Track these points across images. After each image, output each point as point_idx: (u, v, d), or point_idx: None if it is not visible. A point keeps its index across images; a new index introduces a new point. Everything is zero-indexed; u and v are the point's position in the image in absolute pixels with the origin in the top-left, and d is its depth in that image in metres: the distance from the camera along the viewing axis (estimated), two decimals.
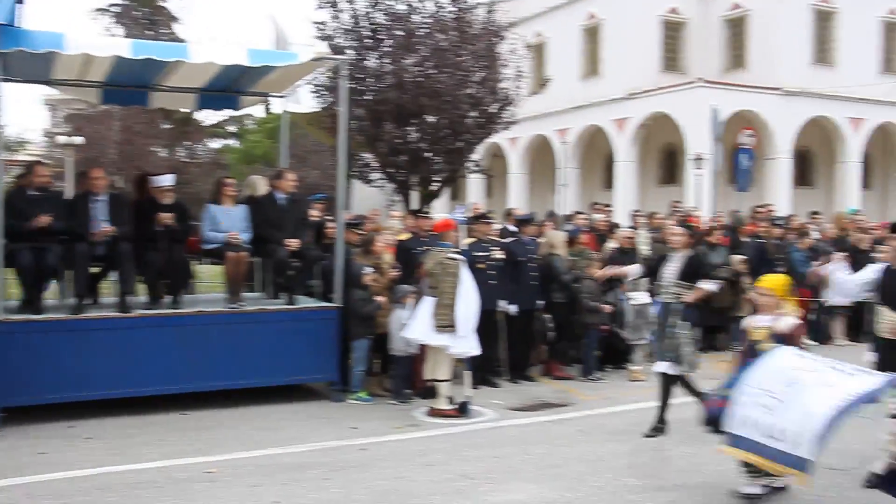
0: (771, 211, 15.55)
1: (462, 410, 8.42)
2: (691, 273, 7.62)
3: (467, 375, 8.68)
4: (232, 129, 48.10)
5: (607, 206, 15.60)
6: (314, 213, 10.90)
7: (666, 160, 36.55)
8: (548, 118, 36.66)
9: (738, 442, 5.50)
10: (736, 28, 35.05)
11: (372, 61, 17.03)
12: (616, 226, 12.92)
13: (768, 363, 5.52)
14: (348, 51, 16.87)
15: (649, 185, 36.39)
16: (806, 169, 36.16)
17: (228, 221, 9.20)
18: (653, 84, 33.95)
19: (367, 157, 17.72)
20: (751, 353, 5.93)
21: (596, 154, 38.36)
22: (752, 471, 5.83)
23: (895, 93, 31.37)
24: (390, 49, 16.67)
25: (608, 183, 36.63)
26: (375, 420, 8.27)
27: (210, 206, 9.33)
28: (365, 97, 16.48)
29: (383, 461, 6.88)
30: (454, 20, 17.11)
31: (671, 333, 7.54)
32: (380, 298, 9.11)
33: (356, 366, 9.10)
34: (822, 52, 33.91)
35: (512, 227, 11.49)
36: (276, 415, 8.43)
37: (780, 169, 32.69)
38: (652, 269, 8.23)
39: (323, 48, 16.42)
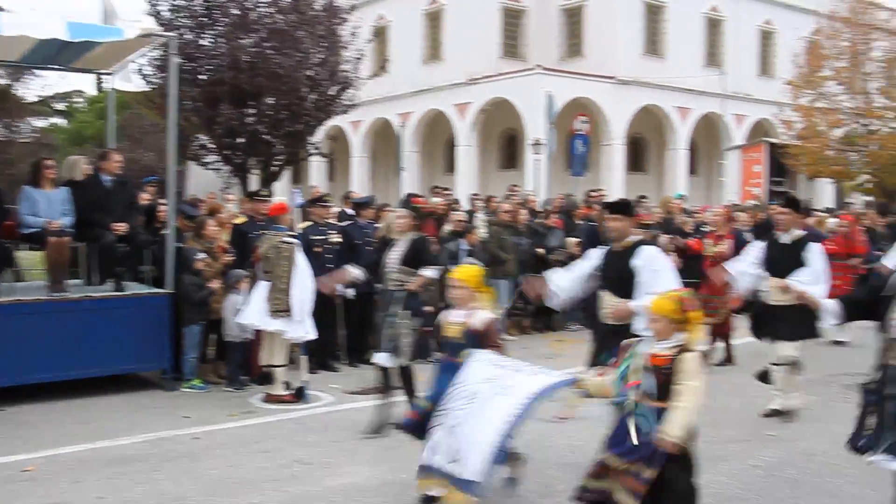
0: (603, 195, 16.12)
1: (299, 396, 8.33)
2: (414, 259, 7.09)
3: (304, 360, 8.59)
4: (60, 107, 45.56)
5: (447, 189, 15.77)
6: (145, 196, 10.50)
7: (506, 145, 37.31)
8: (390, 102, 36.67)
9: (428, 471, 5.07)
10: (573, 17, 36.11)
11: (207, 41, 16.51)
12: (454, 207, 13.06)
13: (464, 375, 5.04)
14: (182, 28, 16.30)
15: (490, 169, 37.05)
16: (638, 155, 37.80)
17: (47, 205, 8.70)
18: (493, 70, 34.53)
19: (203, 138, 17.19)
20: (447, 351, 5.52)
21: (438, 138, 38.72)
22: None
23: (718, 85, 33.10)
24: (226, 28, 16.20)
25: (450, 167, 37.05)
26: (209, 408, 8.07)
27: (27, 188, 8.80)
28: (200, 77, 15.97)
29: (217, 450, 6.72)
30: (293, 1, 16.79)
31: (391, 323, 6.98)
32: (213, 284, 8.87)
33: (188, 353, 8.85)
34: (653, 43, 35.45)
35: (350, 211, 11.43)
36: (102, 407, 8.07)
37: (615, 154, 33.98)
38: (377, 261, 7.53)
39: (153, 24, 15.81)
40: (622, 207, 6.25)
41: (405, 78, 35.67)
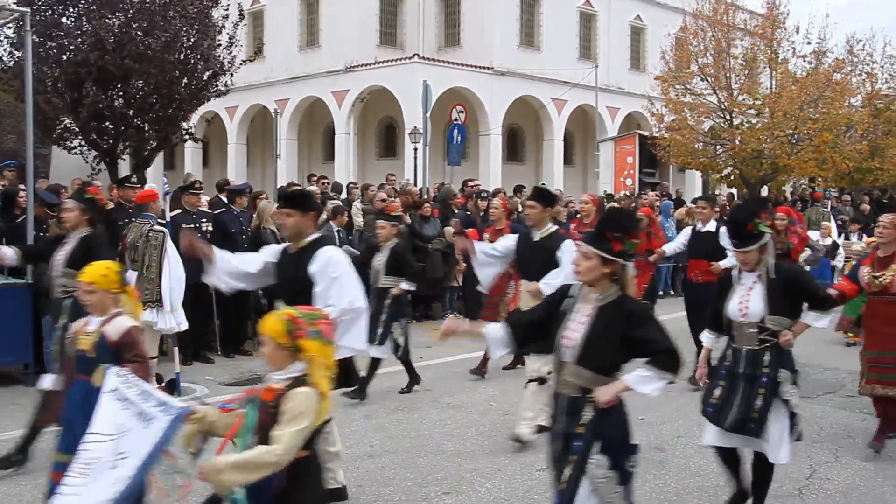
0: (477, 185, 16.29)
1: (171, 388, 8.08)
2: (81, 258, 6.02)
3: (175, 352, 8.36)
4: None
5: (323, 178, 15.60)
6: (2, 181, 9.97)
7: (385, 134, 37.20)
8: (267, 88, 35.99)
9: None
10: (451, 7, 36.26)
11: (69, 19, 15.74)
12: (330, 198, 12.95)
13: (97, 419, 3.74)
14: (40, 4, 15.52)
15: (369, 158, 36.90)
16: (516, 145, 38.35)
17: None
18: (371, 58, 34.35)
19: (68, 121, 16.43)
20: (75, 369, 4.43)
21: (317, 126, 38.28)
22: None
23: (592, 77, 33.87)
24: (89, 6, 15.48)
25: (330, 155, 36.69)
26: None
27: None
28: (63, 57, 15.23)
29: None
30: None
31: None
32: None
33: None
34: (529, 36, 35.98)
35: (224, 199, 11.16)
36: None
37: (492, 144, 34.36)
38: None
39: None
40: (296, 200, 5.23)
41: (282, 64, 35.07)
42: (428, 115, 18.74)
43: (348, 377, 5.37)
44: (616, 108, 37.91)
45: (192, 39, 16.21)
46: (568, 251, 6.54)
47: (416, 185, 19.23)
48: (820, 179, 27.00)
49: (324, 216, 11.77)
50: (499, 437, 6.91)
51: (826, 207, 20.96)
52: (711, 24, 26.23)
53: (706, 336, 5.41)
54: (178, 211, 9.98)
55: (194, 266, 8.63)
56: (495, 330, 4.20)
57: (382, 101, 34.05)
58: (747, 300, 5.04)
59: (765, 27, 26.63)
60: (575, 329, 3.91)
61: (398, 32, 36.76)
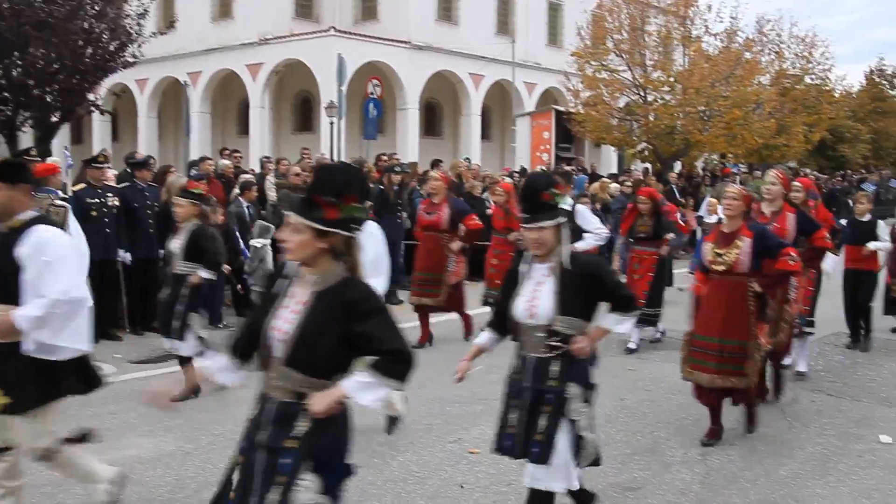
0: (397, 158, 16.21)
1: None
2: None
3: None
4: None
5: (236, 152, 15.32)
6: None
7: (301, 107, 36.70)
8: (179, 60, 35.06)
9: None
10: None
11: None
12: (243, 172, 12.73)
13: None
14: None
15: (285, 132, 36.38)
16: (433, 120, 38.27)
17: None
18: (286, 30, 33.78)
19: None
20: None
21: (231, 99, 37.54)
22: None
23: (509, 53, 33.95)
24: None
25: (244, 129, 36.03)
26: None
27: None
28: None
29: None
30: None
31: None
32: None
33: None
34: (446, 10, 35.82)
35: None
36: None
37: (409, 119, 34.22)
38: None
39: None
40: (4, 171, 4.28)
41: (194, 35, 34.17)
42: (343, 88, 18.55)
43: (88, 379, 4.55)
44: (533, 83, 38.12)
45: (98, 7, 15.67)
46: (372, 234, 5.80)
47: (331, 159, 19.03)
48: (731, 155, 27.71)
49: (235, 191, 11.58)
50: (411, 410, 6.90)
51: (735, 182, 21.49)
52: (627, 2, 26.55)
53: (482, 333, 4.49)
54: (82, 185, 9.66)
55: (100, 241, 8.42)
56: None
57: (298, 74, 33.56)
58: (536, 298, 4.06)
59: (678, 5, 27.13)
60: (287, 320, 3.15)
61: (314, 5, 36.22)
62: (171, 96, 37.85)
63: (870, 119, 42.11)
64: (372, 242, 5.53)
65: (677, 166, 27.23)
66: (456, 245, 9.19)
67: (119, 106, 29.42)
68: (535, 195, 4.01)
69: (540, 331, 4.05)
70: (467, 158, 18.07)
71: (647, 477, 5.56)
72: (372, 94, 19.07)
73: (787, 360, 7.75)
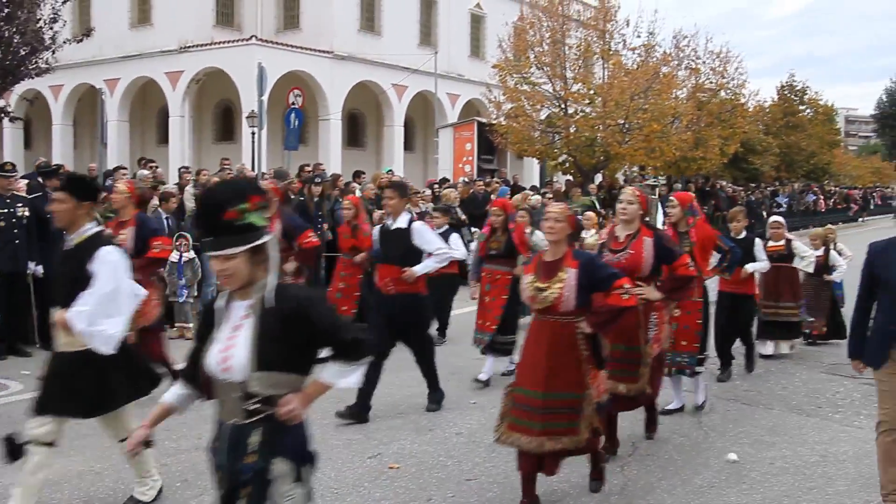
0: (322, 169, 16.08)
1: None
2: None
3: None
4: None
5: (152, 162, 15.00)
6: None
7: (223, 117, 36.20)
8: (95, 66, 34.18)
9: None
10: None
11: None
12: (162, 182, 12.47)
13: None
14: None
15: (206, 141, 35.83)
16: (356, 130, 38.15)
17: None
18: (207, 38, 33.31)
19: None
20: None
21: (150, 108, 36.81)
22: None
23: (431, 64, 34.06)
24: None
25: (164, 138, 35.32)
26: None
27: None
28: None
29: None
30: None
31: None
32: None
33: None
34: (369, 20, 35.76)
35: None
36: None
37: (332, 129, 34.04)
38: None
39: None
40: None
41: (111, 41, 33.39)
42: (264, 98, 18.33)
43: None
44: (456, 94, 38.32)
45: (6, 11, 15.17)
46: (106, 263, 4.65)
47: (253, 169, 18.78)
48: (650, 168, 28.24)
49: (154, 201, 11.33)
50: (329, 424, 6.82)
51: (654, 195, 21.89)
52: (548, 15, 26.88)
53: (171, 390, 3.45)
54: None
55: (9, 253, 8.13)
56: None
57: (219, 83, 33.08)
58: (232, 346, 3.09)
59: (598, 19, 27.55)
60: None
61: (235, 13, 35.78)
62: (88, 103, 36.85)
63: (782, 133, 43.44)
64: (106, 272, 4.62)
65: (598, 178, 27.63)
66: (289, 266, 7.73)
67: (31, 112, 28.58)
68: (216, 213, 3.01)
69: (236, 390, 3.08)
70: (390, 170, 18.02)
71: (566, 489, 5.58)
72: (293, 104, 18.88)
73: (673, 405, 7.32)
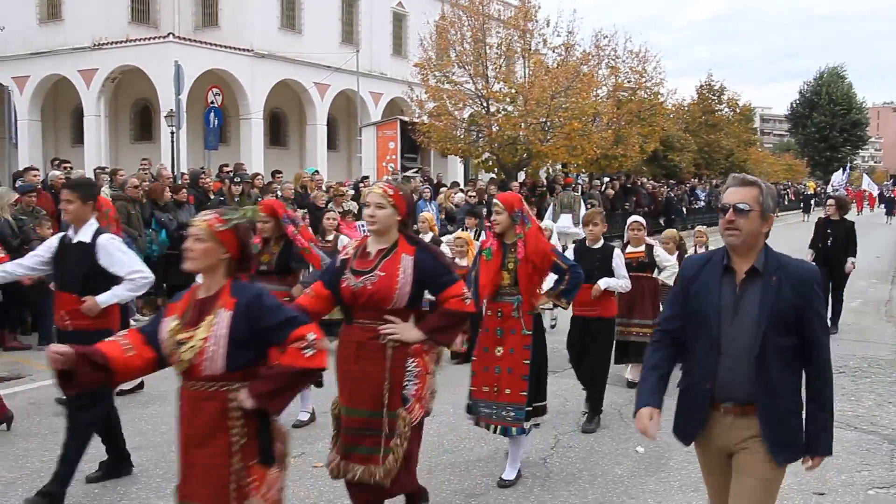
0: (244, 170, 15.89)
1: None
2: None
3: None
4: None
5: (66, 162, 14.61)
6: None
7: (140, 116, 35.36)
8: (2, 63, 33.08)
9: None
10: None
11: None
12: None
13: None
14: None
15: (123, 141, 34.95)
16: (278, 129, 37.75)
17: None
18: (122, 35, 32.52)
19: None
20: None
21: (63, 107, 35.73)
22: None
23: (354, 62, 33.87)
24: None
25: (79, 138, 34.35)
26: None
27: None
28: None
29: None
30: None
31: None
32: None
33: None
34: (290, 18, 35.39)
35: None
36: None
37: (254, 129, 33.60)
38: None
39: None
40: None
41: (19, 37, 32.31)
42: (182, 97, 18.01)
43: None
44: (379, 93, 38.20)
45: None
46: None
47: (172, 170, 18.44)
48: (573, 165, 28.60)
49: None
50: None
51: (577, 192, 22.19)
52: (469, 14, 27.01)
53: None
54: None
55: None
56: None
57: (136, 81, 32.31)
58: None
59: (518, 18, 27.78)
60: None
61: (151, 10, 35.00)
62: None
63: (701, 131, 44.50)
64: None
65: (521, 176, 27.87)
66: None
67: None
68: None
69: None
70: (316, 171, 17.86)
71: (489, 483, 5.63)
72: (213, 103, 18.60)
73: (506, 473, 5.66)
